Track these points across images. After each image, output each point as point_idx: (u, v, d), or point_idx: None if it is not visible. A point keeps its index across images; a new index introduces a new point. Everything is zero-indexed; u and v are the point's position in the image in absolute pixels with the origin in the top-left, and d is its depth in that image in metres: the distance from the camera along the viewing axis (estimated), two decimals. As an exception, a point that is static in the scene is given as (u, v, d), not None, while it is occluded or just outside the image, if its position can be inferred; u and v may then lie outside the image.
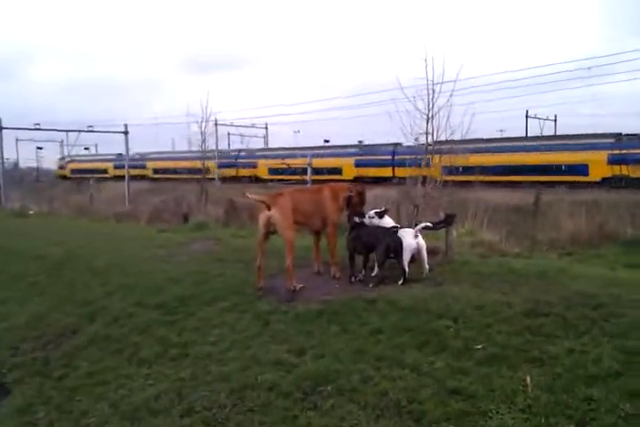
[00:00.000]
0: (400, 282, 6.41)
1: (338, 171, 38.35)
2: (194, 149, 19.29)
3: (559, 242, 8.77)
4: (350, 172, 38.78)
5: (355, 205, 7.07)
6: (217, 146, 39.32)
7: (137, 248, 9.78)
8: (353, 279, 6.72)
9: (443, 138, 8.12)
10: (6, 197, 23.87)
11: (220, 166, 38.07)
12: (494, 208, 10.58)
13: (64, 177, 53.84)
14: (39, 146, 62.42)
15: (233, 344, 5.20)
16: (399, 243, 6.48)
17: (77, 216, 17.63)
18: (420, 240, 6.73)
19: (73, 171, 55.88)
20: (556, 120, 49.25)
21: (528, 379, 3.78)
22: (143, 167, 50.48)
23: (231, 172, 42.23)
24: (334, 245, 7.09)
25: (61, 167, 60.58)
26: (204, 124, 16.43)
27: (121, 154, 50.30)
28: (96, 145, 63.44)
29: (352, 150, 41.40)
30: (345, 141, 45.10)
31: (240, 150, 48.38)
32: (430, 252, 7.00)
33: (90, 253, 9.68)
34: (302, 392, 4.14)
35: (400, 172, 29.85)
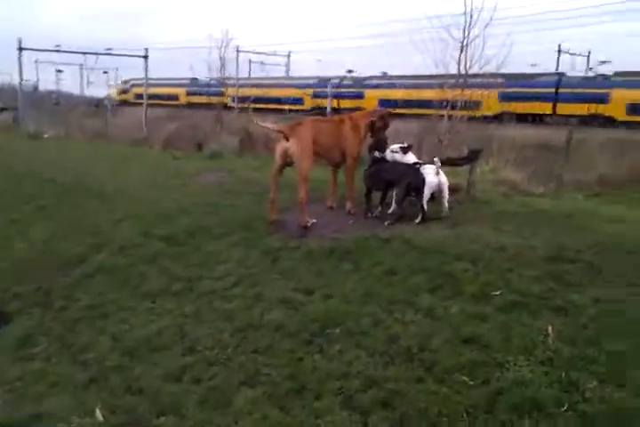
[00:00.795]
0: (417, 220, 6.09)
1: (477, 104, 32.66)
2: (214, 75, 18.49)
3: (587, 183, 8.29)
4: (493, 106, 30.99)
5: (378, 130, 6.74)
6: (237, 73, 38.05)
7: (148, 175, 9.52)
8: (368, 215, 6.42)
9: (475, 69, 7.48)
10: (24, 120, 23.62)
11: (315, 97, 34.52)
12: (522, 145, 10.01)
13: (126, 102, 48.32)
14: (59, 69, 61.18)
15: (239, 281, 5.00)
16: (422, 180, 6.11)
17: (92, 141, 17.34)
18: (442, 177, 6.34)
19: (137, 96, 47.73)
20: (589, 56, 46.86)
21: (549, 329, 3.52)
22: (221, 95, 44.40)
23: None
24: (352, 180, 6.75)
25: (124, 91, 54.25)
26: (223, 50, 15.48)
27: (196, 78, 43.73)
28: (117, 69, 61.84)
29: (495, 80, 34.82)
30: (371, 72, 42.61)
31: (342, 78, 41.24)
32: (451, 189, 6.63)
33: (100, 178, 9.45)
34: (309, 334, 3.96)
35: (564, 108, 27.00)
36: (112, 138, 16.93)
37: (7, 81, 47.96)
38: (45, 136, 19.72)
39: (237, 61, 38.44)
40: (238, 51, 40.17)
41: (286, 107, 32.04)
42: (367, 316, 4.02)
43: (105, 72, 59.25)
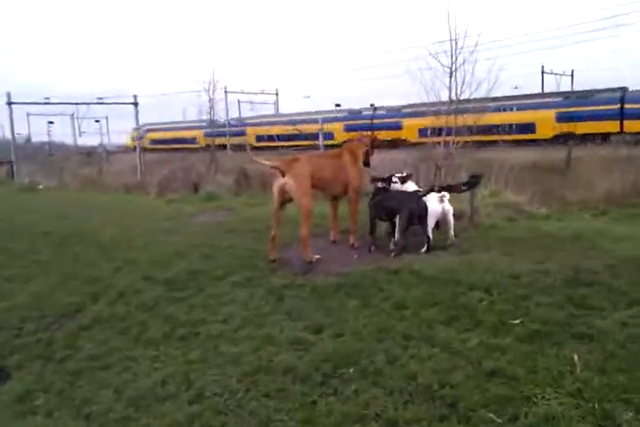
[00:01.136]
0: (423, 250, 5.97)
1: (530, 128, 29.39)
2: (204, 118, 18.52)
3: (592, 201, 8.18)
4: (549, 127, 29.07)
5: (367, 157, 6.89)
6: (227, 114, 38.37)
7: (145, 221, 9.42)
8: (372, 248, 6.29)
9: (467, 94, 7.49)
10: (18, 172, 23.70)
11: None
12: (520, 167, 9.94)
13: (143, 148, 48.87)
14: (50, 120, 61.89)
15: (245, 322, 4.81)
16: (424, 208, 6.02)
17: (86, 189, 17.31)
18: (447, 205, 6.25)
19: (153, 141, 46.94)
20: (572, 75, 47.63)
21: (575, 358, 3.33)
22: (242, 134, 41.03)
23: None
24: (356, 212, 6.67)
25: (138, 138, 54.62)
26: (211, 91, 15.58)
27: (213, 120, 47.61)
28: (107, 118, 62.61)
29: (552, 100, 30.74)
30: (360, 104, 42.85)
31: (375, 108, 38.54)
32: (454, 216, 6.53)
33: (96, 227, 9.33)
34: (321, 375, 3.74)
35: (633, 126, 24.54)
36: (106, 186, 16.90)
37: (-1, 135, 48.47)
38: (40, 187, 19.73)
39: (226, 102, 39.00)
40: (226, 91, 40.73)
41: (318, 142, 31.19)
42: (381, 353, 3.82)
43: (97, 121, 59.99)
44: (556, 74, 46.75)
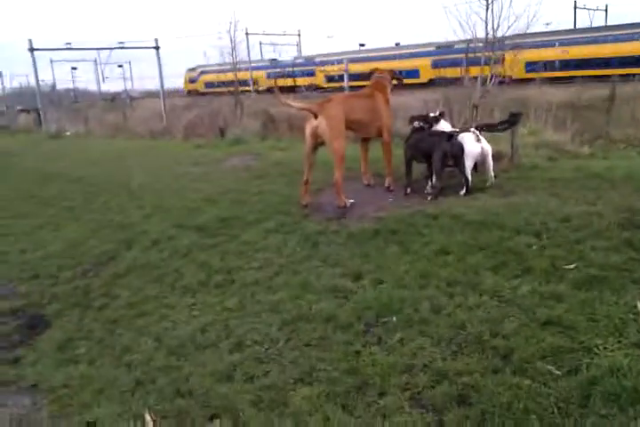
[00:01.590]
0: (462, 192, 5.71)
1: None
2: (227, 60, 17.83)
3: (638, 138, 7.73)
4: None
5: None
6: (249, 56, 37.11)
7: (172, 167, 9.29)
8: (408, 191, 6.06)
9: (505, 28, 6.92)
10: (45, 119, 23.67)
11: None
12: (558, 105, 9.43)
13: (195, 92, 43.65)
14: (73, 66, 61.23)
15: (281, 269, 4.70)
16: (459, 149, 5.71)
17: (113, 135, 17.18)
18: (485, 144, 5.92)
19: (208, 84, 42.33)
20: (607, 10, 45.00)
21: (639, 305, 3.13)
22: (310, 75, 36.93)
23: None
24: (390, 153, 6.42)
25: (192, 80, 48.17)
26: (232, 32, 14.85)
27: (275, 59, 41.23)
28: (129, 63, 61.51)
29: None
30: (384, 44, 40.74)
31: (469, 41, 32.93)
32: (493, 157, 6.21)
33: (125, 173, 9.24)
34: (364, 324, 3.62)
35: None
36: (132, 131, 16.72)
37: (24, 83, 48.24)
38: (67, 134, 19.69)
39: (248, 44, 37.70)
40: (247, 33, 39.37)
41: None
42: (425, 301, 3.67)
43: (120, 66, 59.21)
44: (589, 9, 44.22)
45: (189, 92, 43.78)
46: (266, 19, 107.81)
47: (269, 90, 29.79)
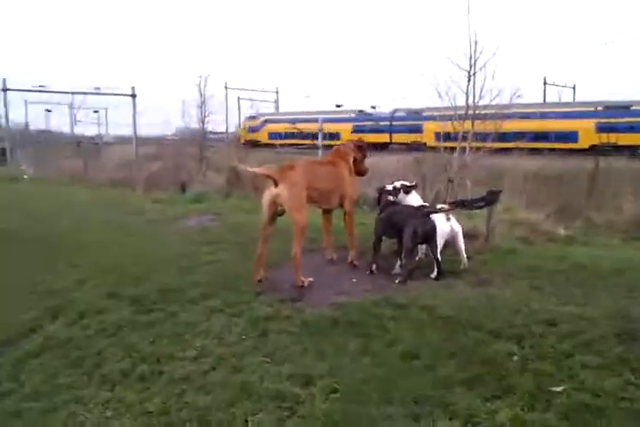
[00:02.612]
0: (433, 275, 5.17)
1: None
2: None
3: (619, 223, 7.35)
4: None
5: (359, 163, 6.22)
6: (227, 111, 36.90)
7: (122, 223, 8.56)
8: (374, 268, 5.49)
9: (486, 100, 6.59)
10: (11, 160, 22.90)
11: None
12: (534, 178, 9.11)
13: (254, 143, 36.67)
14: (48, 109, 60.69)
15: (219, 363, 3.98)
16: (432, 226, 5.21)
17: (71, 182, 16.41)
18: (455, 224, 5.46)
19: (274, 134, 37.56)
20: (574, 88, 47.14)
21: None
22: (416, 131, 29.91)
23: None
24: (353, 224, 5.89)
25: (252, 130, 41.68)
26: (203, 85, 14.08)
27: (363, 111, 37.33)
28: (106, 109, 61.16)
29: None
30: (360, 107, 41.24)
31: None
32: (467, 236, 5.74)
33: (68, 228, 8.46)
34: (309, 449, 2.93)
35: None
36: (92, 180, 15.99)
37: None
38: (25, 177, 18.85)
39: (227, 99, 37.76)
40: (226, 88, 39.63)
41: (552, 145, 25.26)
42: (386, 422, 3.01)
43: (95, 111, 58.87)
44: (557, 85, 46.13)
45: (247, 143, 36.52)
46: (244, 77, 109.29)
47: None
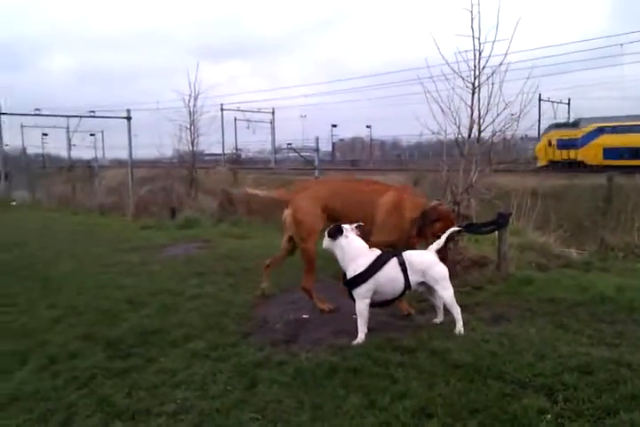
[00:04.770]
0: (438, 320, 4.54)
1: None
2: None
3: (638, 246, 6.84)
4: None
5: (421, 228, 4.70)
6: (223, 131, 36.81)
7: (106, 253, 8.05)
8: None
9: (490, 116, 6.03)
10: (5, 185, 22.48)
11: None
12: (540, 197, 8.59)
13: (574, 164, 27.67)
14: (44, 132, 60.63)
15: (200, 421, 3.43)
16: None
17: (60, 208, 15.91)
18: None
19: (612, 152, 26.22)
20: (569, 103, 47.21)
21: None
22: None
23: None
24: None
25: (567, 144, 28.75)
26: (192, 104, 13.23)
27: None
28: (102, 132, 60.81)
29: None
30: (356, 126, 41.10)
31: None
32: (477, 263, 5.23)
33: (49, 259, 7.94)
34: None
35: None
36: (81, 205, 15.48)
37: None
38: (13, 203, 18.40)
39: (222, 119, 37.69)
40: (222, 109, 39.66)
41: None
42: None
43: (92, 134, 58.79)
44: (552, 102, 46.20)
45: (551, 165, 28.31)
46: (241, 95, 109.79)
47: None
